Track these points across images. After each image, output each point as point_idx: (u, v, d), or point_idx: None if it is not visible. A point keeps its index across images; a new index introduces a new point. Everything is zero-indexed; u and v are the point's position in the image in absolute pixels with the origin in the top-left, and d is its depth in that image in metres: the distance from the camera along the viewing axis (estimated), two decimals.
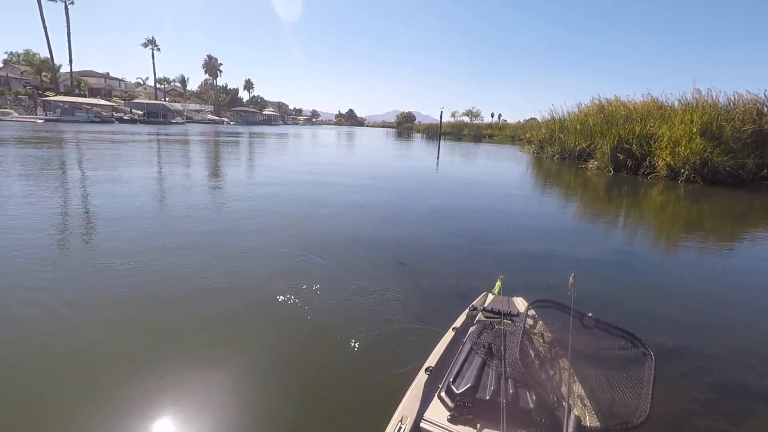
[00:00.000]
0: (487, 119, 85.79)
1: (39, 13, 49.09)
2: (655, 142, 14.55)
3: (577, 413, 1.46)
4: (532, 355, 1.80)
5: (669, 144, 13.84)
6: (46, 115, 40.07)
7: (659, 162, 14.05)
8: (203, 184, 9.63)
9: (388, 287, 3.85)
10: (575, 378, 1.68)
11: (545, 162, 20.36)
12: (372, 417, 2.10)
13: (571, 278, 1.94)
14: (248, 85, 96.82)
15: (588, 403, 1.59)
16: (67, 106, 42.05)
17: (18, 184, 8.03)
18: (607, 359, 1.69)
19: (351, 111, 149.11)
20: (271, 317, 3.24)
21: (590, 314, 1.79)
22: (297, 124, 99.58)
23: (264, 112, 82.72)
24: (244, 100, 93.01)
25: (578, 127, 19.51)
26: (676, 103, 16.14)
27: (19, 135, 20.61)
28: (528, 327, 1.96)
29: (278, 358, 2.74)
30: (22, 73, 53.19)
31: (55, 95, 46.90)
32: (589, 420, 1.52)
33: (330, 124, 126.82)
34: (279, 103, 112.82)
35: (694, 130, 13.22)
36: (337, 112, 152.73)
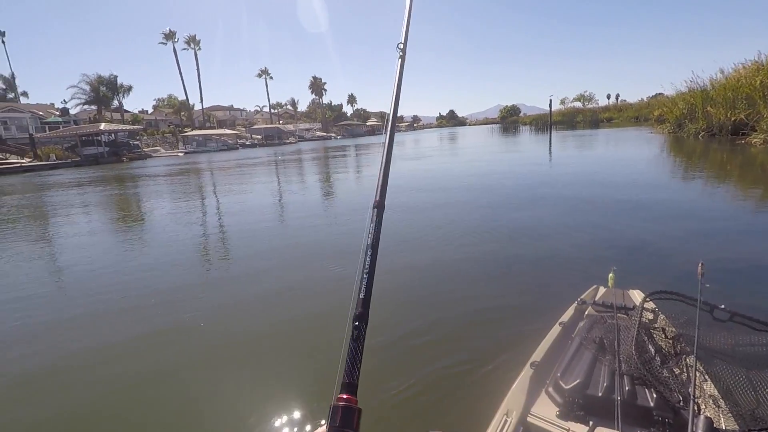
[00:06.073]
0: (602, 102, 78.15)
1: (175, 61, 58.65)
2: None
3: (709, 414, 1.28)
4: (652, 350, 1.64)
5: None
6: (185, 148, 46.83)
7: None
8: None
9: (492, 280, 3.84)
10: (705, 377, 1.51)
11: (688, 141, 17.34)
12: (476, 410, 2.03)
13: (699, 267, 1.75)
14: (351, 100, 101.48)
15: (722, 404, 1.40)
16: (201, 139, 48.82)
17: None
18: (748, 357, 1.49)
19: (452, 112, 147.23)
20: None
21: (723, 306, 1.62)
22: (399, 130, 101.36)
23: (367, 124, 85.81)
24: (348, 114, 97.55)
25: (729, 95, 16.28)
26: None
27: (170, 170, 23.82)
28: (647, 321, 1.82)
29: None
30: (166, 114, 62.84)
31: (191, 130, 54.27)
32: (725, 423, 1.34)
33: (431, 128, 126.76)
34: (381, 113, 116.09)
35: None
36: (438, 115, 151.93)
